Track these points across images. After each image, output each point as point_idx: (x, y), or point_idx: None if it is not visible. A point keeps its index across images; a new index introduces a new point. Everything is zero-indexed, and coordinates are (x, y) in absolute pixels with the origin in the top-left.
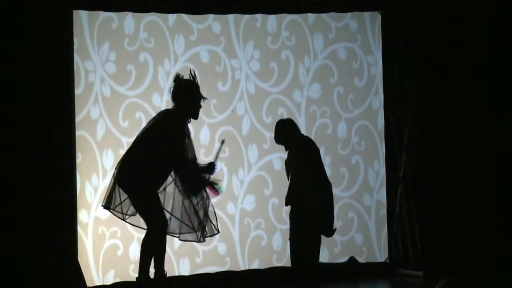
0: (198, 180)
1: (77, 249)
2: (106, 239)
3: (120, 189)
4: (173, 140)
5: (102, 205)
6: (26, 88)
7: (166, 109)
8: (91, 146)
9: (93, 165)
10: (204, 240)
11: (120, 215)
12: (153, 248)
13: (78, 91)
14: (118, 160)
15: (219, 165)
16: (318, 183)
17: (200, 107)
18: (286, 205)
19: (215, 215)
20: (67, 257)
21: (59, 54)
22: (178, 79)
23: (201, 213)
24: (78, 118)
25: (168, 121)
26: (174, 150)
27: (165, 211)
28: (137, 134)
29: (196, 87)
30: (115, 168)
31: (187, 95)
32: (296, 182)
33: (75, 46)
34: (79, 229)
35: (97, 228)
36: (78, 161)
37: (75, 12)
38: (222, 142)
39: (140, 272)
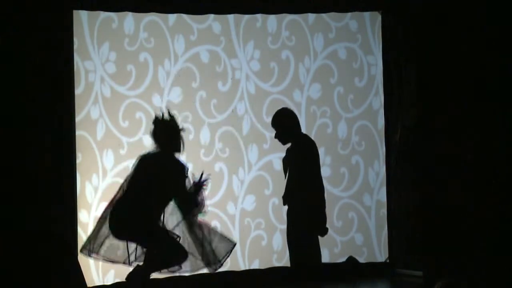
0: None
1: (77, 249)
2: None
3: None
4: (177, 181)
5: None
6: (26, 88)
7: (154, 153)
8: (91, 146)
9: (93, 165)
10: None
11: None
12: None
13: (78, 91)
14: (118, 160)
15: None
16: (315, 184)
17: (183, 139)
18: (284, 204)
19: (221, 235)
20: (67, 257)
21: (59, 54)
22: (157, 121)
23: (206, 244)
24: (78, 118)
25: (162, 164)
26: (176, 188)
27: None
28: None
29: (176, 123)
30: (109, 218)
31: (169, 135)
32: (294, 181)
33: (75, 46)
34: (79, 229)
35: None
36: (78, 161)
37: (75, 12)
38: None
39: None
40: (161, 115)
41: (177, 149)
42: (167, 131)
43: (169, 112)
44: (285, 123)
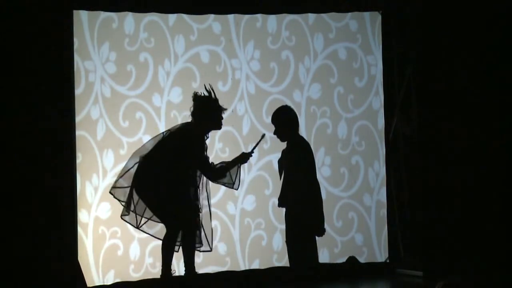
0: (222, 176)
1: (77, 249)
2: (106, 239)
3: (136, 195)
4: (194, 152)
5: (121, 217)
6: (26, 88)
7: (186, 123)
8: (91, 146)
9: (93, 165)
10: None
11: (135, 223)
12: (184, 247)
13: (78, 91)
14: (118, 160)
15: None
16: (310, 185)
17: (222, 118)
18: (279, 206)
19: (211, 232)
20: (67, 257)
21: (59, 54)
22: (196, 97)
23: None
24: (78, 118)
25: (188, 135)
26: (198, 161)
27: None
28: (150, 139)
29: (215, 101)
30: (134, 175)
31: (206, 111)
32: (289, 183)
33: (75, 46)
34: (79, 229)
35: (97, 228)
36: (78, 161)
37: (75, 12)
38: (263, 136)
39: (163, 270)
40: (201, 92)
41: (217, 126)
42: (207, 109)
43: (211, 91)
44: (282, 120)
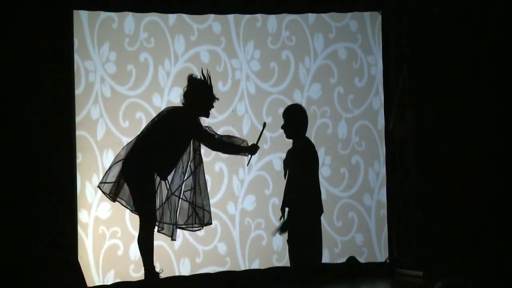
0: (232, 150)
1: (77, 249)
2: (106, 239)
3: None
4: (187, 131)
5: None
6: (26, 88)
7: (173, 106)
8: (91, 146)
9: (93, 165)
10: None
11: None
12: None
13: (78, 91)
14: None
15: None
16: (312, 187)
17: (212, 107)
18: (282, 208)
19: (209, 206)
20: (67, 257)
21: (59, 54)
22: (191, 79)
23: (186, 208)
24: (78, 118)
25: (176, 117)
26: (196, 135)
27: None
28: (142, 129)
29: (209, 88)
30: (123, 160)
31: (198, 95)
32: (294, 183)
33: (75, 46)
34: (79, 229)
35: (97, 228)
36: (78, 161)
37: (75, 12)
38: (264, 124)
39: (146, 270)
40: (198, 75)
41: (205, 113)
42: (199, 93)
43: (207, 77)
44: (294, 118)
